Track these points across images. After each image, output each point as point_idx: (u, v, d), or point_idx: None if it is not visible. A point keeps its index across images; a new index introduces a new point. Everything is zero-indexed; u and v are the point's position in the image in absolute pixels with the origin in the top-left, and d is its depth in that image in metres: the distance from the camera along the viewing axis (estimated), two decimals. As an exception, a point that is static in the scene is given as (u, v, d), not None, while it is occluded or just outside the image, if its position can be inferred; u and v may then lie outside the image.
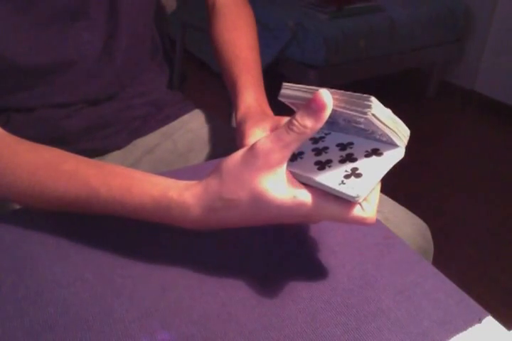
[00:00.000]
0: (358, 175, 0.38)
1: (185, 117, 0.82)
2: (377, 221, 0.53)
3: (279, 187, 0.38)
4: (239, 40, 0.73)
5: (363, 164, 0.39)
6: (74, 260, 0.46)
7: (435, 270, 0.46)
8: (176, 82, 0.89)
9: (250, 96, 0.65)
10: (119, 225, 0.49)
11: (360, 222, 0.39)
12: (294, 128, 0.37)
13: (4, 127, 0.52)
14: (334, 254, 0.48)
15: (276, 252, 0.48)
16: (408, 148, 0.41)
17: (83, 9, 0.63)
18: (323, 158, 0.41)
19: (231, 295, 0.43)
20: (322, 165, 0.40)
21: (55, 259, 0.46)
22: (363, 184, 0.37)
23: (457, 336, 0.40)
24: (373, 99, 0.36)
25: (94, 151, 0.73)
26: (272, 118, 0.60)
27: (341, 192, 0.37)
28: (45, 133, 0.68)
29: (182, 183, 0.43)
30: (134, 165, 0.76)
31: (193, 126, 0.80)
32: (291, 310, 0.42)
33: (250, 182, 0.38)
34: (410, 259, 0.47)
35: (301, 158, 0.42)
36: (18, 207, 0.58)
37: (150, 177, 0.46)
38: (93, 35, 0.65)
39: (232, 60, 0.71)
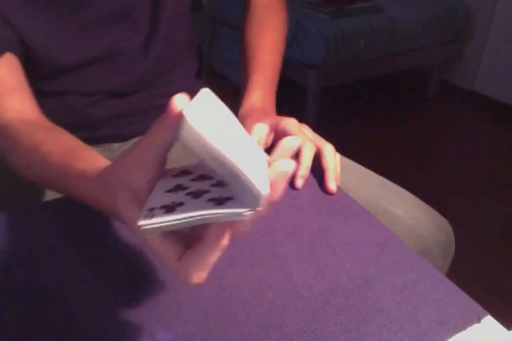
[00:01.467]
0: (170, 210, 0.29)
1: None
2: (377, 221, 0.53)
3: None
4: (262, 41, 0.75)
5: (190, 203, 0.30)
6: (74, 260, 0.47)
7: (435, 270, 0.46)
8: (204, 75, 0.90)
9: (256, 95, 0.67)
10: (120, 225, 0.49)
11: (175, 274, 0.31)
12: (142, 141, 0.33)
13: None
14: (334, 254, 0.48)
15: (276, 252, 0.48)
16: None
17: (128, 13, 0.67)
18: (180, 181, 0.33)
19: (231, 295, 0.43)
20: (175, 189, 0.32)
21: (55, 259, 0.47)
22: (158, 220, 0.29)
23: (456, 335, 0.40)
24: (190, 120, 0.27)
25: (118, 137, 0.77)
26: (272, 118, 0.61)
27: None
28: (72, 118, 0.71)
29: (104, 163, 0.42)
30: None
31: None
32: (291, 310, 0.42)
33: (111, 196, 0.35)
34: (410, 259, 0.48)
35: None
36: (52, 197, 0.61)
37: (97, 157, 0.46)
38: (133, 34, 0.69)
39: (250, 59, 0.73)
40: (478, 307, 0.42)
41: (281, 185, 0.31)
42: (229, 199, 0.29)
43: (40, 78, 0.67)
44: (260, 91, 0.68)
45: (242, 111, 0.65)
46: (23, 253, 0.47)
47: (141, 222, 0.29)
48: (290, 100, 2.27)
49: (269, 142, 0.59)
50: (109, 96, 0.72)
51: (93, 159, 0.46)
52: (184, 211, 0.29)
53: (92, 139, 0.75)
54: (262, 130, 0.38)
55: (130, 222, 0.32)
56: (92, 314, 0.41)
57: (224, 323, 0.40)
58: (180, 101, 0.29)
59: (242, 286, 0.44)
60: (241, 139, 0.32)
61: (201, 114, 0.28)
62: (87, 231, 0.50)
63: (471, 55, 2.62)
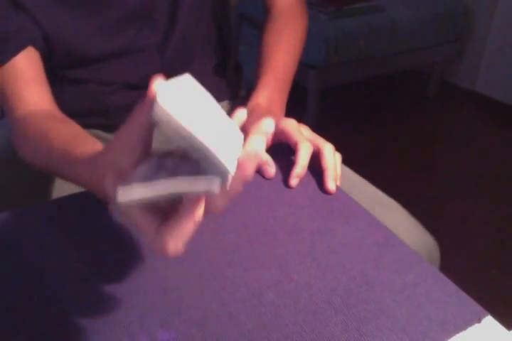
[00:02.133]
0: (147, 180, 0.32)
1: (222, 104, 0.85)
2: (377, 221, 0.53)
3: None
4: (277, 44, 0.76)
5: (166, 177, 0.32)
6: (74, 260, 0.47)
7: (435, 270, 0.46)
8: (231, 72, 0.91)
9: (263, 95, 0.67)
10: (120, 225, 0.49)
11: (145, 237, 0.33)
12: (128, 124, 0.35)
13: (57, 99, 0.64)
14: (334, 254, 0.48)
15: (276, 252, 0.48)
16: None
17: (147, 13, 0.69)
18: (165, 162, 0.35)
19: (231, 295, 0.43)
20: (156, 169, 0.34)
21: (56, 259, 0.47)
22: (135, 186, 0.31)
23: (457, 336, 0.40)
24: (160, 101, 0.29)
25: None
26: (274, 117, 0.61)
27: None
28: (90, 105, 0.75)
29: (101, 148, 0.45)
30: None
31: None
32: (291, 310, 0.42)
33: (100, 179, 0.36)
34: (410, 259, 0.47)
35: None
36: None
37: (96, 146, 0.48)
38: (151, 33, 0.71)
39: (264, 60, 0.74)
40: (478, 307, 0.42)
41: (252, 164, 0.33)
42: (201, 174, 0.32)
43: (61, 67, 0.70)
44: (268, 92, 0.68)
45: (247, 109, 0.65)
46: (23, 253, 0.47)
47: (120, 189, 0.31)
48: (290, 100, 2.28)
49: (269, 142, 0.59)
50: (125, 87, 0.75)
51: (92, 144, 0.49)
52: (159, 180, 0.31)
53: (107, 126, 0.78)
54: (243, 115, 0.39)
55: (114, 198, 0.33)
56: (92, 314, 0.41)
57: (224, 323, 0.40)
58: (157, 84, 0.31)
59: (242, 286, 0.44)
60: (218, 122, 0.34)
61: (175, 96, 0.30)
62: (88, 232, 0.50)
63: (471, 55, 2.62)
